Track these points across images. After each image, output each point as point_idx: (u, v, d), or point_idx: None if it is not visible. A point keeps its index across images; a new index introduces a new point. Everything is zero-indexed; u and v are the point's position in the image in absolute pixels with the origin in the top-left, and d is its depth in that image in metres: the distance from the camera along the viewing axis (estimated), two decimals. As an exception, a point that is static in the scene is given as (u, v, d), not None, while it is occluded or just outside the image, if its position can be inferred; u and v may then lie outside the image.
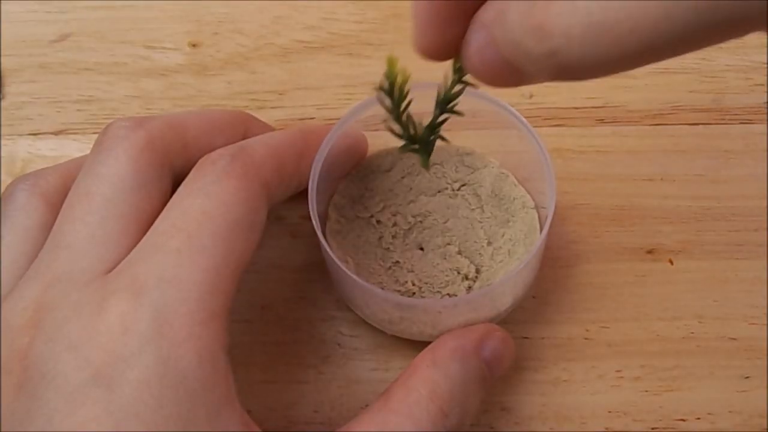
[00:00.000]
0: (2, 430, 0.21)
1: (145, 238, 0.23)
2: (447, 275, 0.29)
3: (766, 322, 0.31)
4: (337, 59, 0.37)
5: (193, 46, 0.37)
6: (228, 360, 0.23)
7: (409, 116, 0.25)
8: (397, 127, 0.25)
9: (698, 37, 0.16)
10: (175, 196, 0.24)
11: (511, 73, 0.18)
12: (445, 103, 0.25)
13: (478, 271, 0.30)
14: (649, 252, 0.32)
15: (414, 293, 0.29)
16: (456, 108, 0.25)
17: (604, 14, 0.16)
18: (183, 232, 0.23)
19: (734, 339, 0.30)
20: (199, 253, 0.22)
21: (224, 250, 0.23)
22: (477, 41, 0.19)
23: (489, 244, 0.30)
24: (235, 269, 0.23)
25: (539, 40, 0.17)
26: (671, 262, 0.32)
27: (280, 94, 0.36)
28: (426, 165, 0.26)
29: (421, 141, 0.26)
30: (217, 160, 0.25)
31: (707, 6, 0.15)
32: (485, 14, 0.19)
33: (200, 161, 0.25)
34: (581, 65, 0.17)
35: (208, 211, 0.23)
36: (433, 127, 0.25)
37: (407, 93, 0.24)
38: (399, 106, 0.24)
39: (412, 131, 0.25)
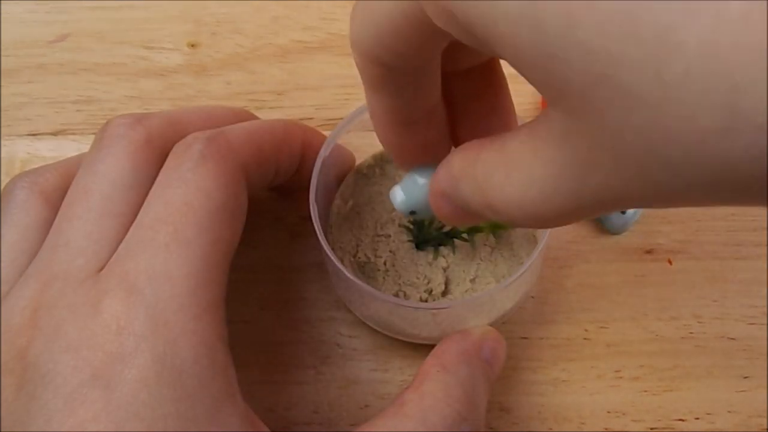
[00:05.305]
0: (2, 430, 0.21)
1: (130, 232, 0.23)
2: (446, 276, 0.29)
3: (765, 322, 0.31)
4: (336, 59, 0.37)
5: (192, 46, 0.37)
6: (227, 351, 0.23)
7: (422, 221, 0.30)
8: (407, 223, 0.30)
9: (607, 207, 0.16)
10: (155, 185, 0.24)
11: (462, 218, 0.21)
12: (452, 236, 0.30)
13: (477, 272, 0.29)
14: (648, 252, 0.32)
15: (413, 295, 0.29)
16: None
17: (537, 204, 0.17)
18: (169, 225, 0.23)
19: (733, 339, 0.30)
20: (186, 246, 0.22)
21: (210, 240, 0.23)
22: (437, 190, 0.21)
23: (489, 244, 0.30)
24: (223, 257, 0.23)
25: (489, 213, 0.19)
26: (670, 262, 0.32)
27: (279, 94, 0.36)
28: (420, 248, 0.30)
29: (421, 240, 0.30)
30: (192, 144, 0.24)
31: (606, 186, 0.15)
32: (446, 171, 0.20)
33: (176, 146, 0.25)
34: (525, 224, 0.18)
35: (189, 201, 0.23)
36: (439, 238, 0.30)
37: None
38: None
39: (417, 231, 0.30)
